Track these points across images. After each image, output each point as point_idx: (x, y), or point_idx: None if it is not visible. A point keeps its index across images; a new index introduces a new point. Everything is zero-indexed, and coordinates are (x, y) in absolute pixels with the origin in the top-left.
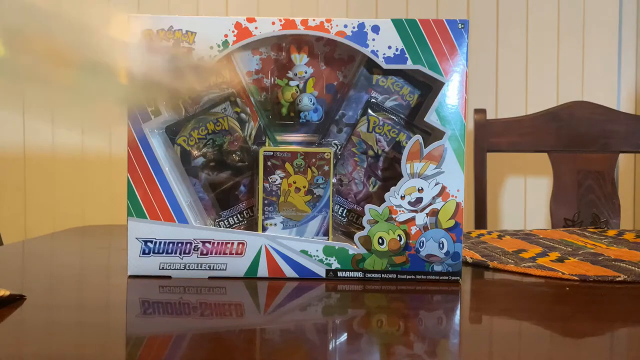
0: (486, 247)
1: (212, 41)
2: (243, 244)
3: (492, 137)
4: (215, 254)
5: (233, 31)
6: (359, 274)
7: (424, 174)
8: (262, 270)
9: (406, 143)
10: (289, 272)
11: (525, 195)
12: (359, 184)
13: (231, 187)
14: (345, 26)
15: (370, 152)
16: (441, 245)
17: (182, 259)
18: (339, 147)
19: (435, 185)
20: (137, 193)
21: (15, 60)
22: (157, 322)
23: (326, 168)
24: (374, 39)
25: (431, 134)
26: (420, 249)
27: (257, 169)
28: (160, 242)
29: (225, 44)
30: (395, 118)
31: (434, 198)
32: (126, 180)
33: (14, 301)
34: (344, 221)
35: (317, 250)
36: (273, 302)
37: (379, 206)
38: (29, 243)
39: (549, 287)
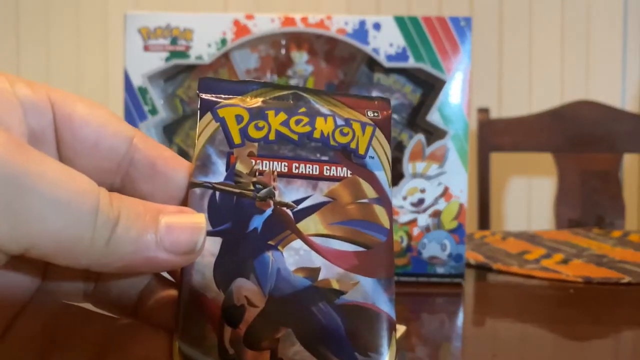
0: (489, 249)
1: (210, 39)
2: None
3: (495, 136)
4: None
5: (232, 28)
6: None
7: (427, 174)
8: None
9: (408, 143)
10: None
11: (529, 196)
12: None
13: None
14: (346, 23)
15: None
16: (444, 246)
17: None
18: None
19: (438, 185)
20: None
21: None
22: None
23: None
24: (375, 37)
25: (433, 134)
26: (423, 251)
27: None
28: None
29: (224, 41)
30: (396, 117)
31: (436, 199)
32: None
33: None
34: None
35: None
36: None
37: None
38: None
39: (553, 289)
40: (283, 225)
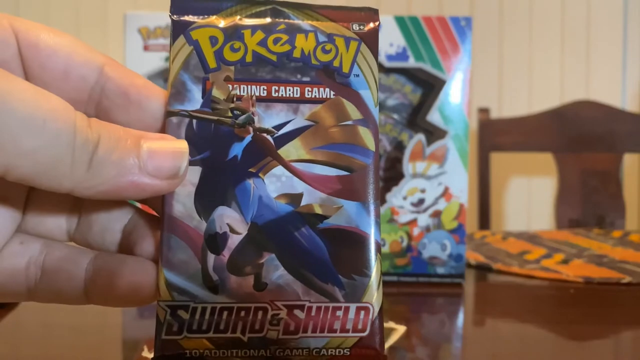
0: (490, 249)
1: None
2: None
3: (495, 136)
4: None
5: None
6: None
7: (427, 174)
8: None
9: (408, 142)
10: None
11: (529, 196)
12: None
13: None
14: None
15: None
16: (444, 247)
17: None
18: None
19: (438, 185)
20: None
21: None
22: (154, 325)
23: None
24: None
25: (433, 134)
26: (423, 251)
27: None
28: None
29: None
30: (396, 117)
31: (436, 199)
32: None
33: (9, 304)
34: None
35: None
36: None
37: (381, 207)
38: None
39: (554, 289)
40: (263, 152)
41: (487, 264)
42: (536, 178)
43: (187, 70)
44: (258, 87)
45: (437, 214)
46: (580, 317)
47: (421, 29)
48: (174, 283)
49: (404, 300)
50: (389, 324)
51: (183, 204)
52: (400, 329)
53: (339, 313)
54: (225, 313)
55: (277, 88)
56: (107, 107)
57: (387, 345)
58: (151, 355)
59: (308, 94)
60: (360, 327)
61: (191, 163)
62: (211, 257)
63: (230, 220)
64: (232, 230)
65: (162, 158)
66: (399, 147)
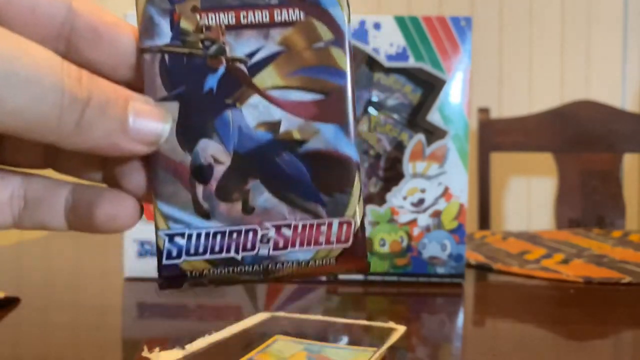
0: (490, 249)
1: None
2: None
3: (495, 136)
4: None
5: None
6: (359, 277)
7: (427, 174)
8: None
9: (408, 142)
10: None
11: (529, 196)
12: None
13: None
14: None
15: (372, 152)
16: (444, 247)
17: None
18: None
19: (438, 185)
20: None
21: None
22: (154, 325)
23: None
24: (375, 37)
25: (433, 133)
26: (423, 251)
27: None
28: None
29: None
30: (396, 117)
31: (436, 199)
32: None
33: (9, 303)
34: None
35: None
36: (272, 305)
37: (381, 207)
38: (24, 245)
39: (554, 289)
40: (238, 82)
41: (487, 264)
42: (536, 178)
43: (153, 3)
44: (226, 14)
45: (437, 214)
46: (580, 317)
47: (421, 29)
48: (169, 213)
49: (404, 300)
50: (389, 324)
51: (167, 140)
52: (400, 329)
53: (323, 228)
54: (219, 236)
55: (245, 14)
56: (78, 44)
57: (387, 345)
58: (151, 355)
59: (277, 18)
60: (343, 238)
61: (169, 98)
62: (200, 187)
63: (214, 151)
64: (216, 161)
65: (146, 126)
66: (399, 147)
